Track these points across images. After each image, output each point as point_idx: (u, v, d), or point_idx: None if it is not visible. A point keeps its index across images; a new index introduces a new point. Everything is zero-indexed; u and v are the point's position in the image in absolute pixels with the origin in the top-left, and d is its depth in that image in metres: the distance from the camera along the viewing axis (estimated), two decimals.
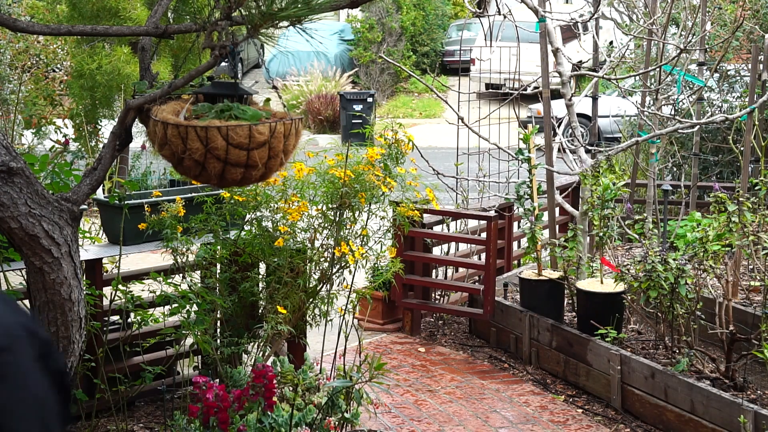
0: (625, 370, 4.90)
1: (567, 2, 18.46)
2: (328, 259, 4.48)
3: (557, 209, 6.55)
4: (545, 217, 6.46)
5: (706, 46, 7.53)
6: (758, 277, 5.59)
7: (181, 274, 4.45)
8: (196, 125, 2.67)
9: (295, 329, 4.46)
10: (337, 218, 4.43)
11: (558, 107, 8.76)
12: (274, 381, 3.85)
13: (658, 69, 6.74)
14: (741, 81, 9.31)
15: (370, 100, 16.31)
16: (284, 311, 4.27)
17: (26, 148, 9.90)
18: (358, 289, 4.73)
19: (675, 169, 8.97)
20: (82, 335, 2.91)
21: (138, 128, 3.13)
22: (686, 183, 7.78)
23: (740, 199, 5.43)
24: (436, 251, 6.68)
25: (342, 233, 4.43)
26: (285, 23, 2.68)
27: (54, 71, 11.31)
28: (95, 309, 4.22)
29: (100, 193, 5.46)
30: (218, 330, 4.67)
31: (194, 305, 4.17)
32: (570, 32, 13.38)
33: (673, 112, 7.40)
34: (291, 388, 4.34)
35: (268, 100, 3.07)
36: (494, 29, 7.09)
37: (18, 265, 3.78)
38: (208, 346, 4.22)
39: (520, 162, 6.00)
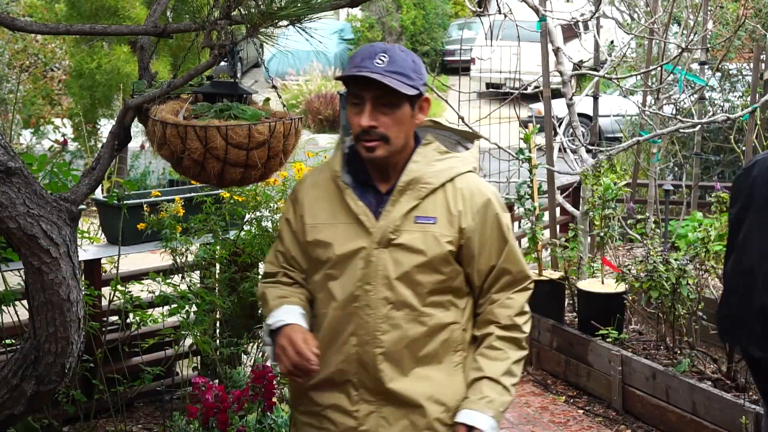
0: (626, 370, 4.88)
1: (568, 1, 18.43)
2: None
3: (558, 209, 6.53)
4: (546, 217, 6.43)
5: (708, 45, 7.51)
6: None
7: (180, 275, 4.43)
8: (195, 125, 2.65)
9: None
10: None
11: (559, 107, 8.74)
12: (274, 382, 3.83)
13: (659, 68, 6.72)
14: (743, 80, 9.29)
15: None
16: None
17: (25, 148, 9.88)
18: None
19: (676, 168, 8.95)
20: (81, 336, 2.89)
21: (137, 128, 3.11)
22: (688, 183, 7.75)
23: None
24: None
25: None
26: (284, 22, 2.66)
27: (52, 70, 11.29)
28: (94, 309, 4.20)
29: (98, 193, 5.44)
30: (217, 330, 4.65)
31: (193, 306, 4.15)
32: (571, 31, 13.35)
33: (674, 112, 7.37)
34: None
35: (267, 99, 3.05)
36: (495, 28, 7.06)
37: (16, 265, 3.75)
38: (208, 346, 4.20)
39: (520, 162, 5.97)
